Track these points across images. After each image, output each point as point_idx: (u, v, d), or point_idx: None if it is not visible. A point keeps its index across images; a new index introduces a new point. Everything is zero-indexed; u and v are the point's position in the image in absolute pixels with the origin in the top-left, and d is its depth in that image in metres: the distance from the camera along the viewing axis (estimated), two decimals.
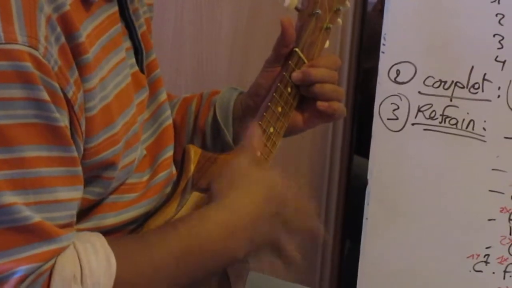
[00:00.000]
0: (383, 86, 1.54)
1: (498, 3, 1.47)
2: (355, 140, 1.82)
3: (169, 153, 1.10)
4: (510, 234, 1.58)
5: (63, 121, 0.86)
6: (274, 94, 1.14)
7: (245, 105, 1.21)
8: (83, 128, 0.90)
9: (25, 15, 0.82)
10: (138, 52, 1.06)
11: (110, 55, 0.97)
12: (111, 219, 0.99)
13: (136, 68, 1.05)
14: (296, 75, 1.16)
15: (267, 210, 0.99)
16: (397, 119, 1.55)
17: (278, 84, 1.15)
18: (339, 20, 1.21)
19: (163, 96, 1.13)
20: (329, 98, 1.18)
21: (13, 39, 0.81)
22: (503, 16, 1.47)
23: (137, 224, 1.04)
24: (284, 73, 1.15)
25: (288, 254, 1.00)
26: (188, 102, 1.25)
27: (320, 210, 1.81)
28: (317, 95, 1.17)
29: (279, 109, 1.14)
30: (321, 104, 1.17)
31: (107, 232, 0.94)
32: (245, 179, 1.01)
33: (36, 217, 0.83)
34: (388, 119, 1.55)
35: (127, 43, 1.04)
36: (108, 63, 0.96)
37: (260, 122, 1.12)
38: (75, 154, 0.88)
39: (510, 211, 1.57)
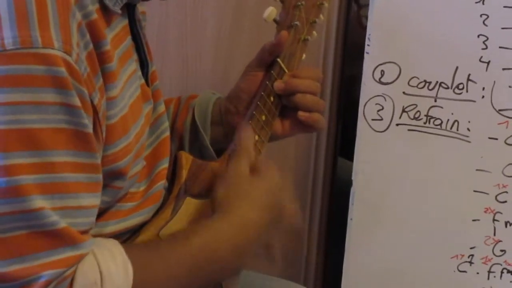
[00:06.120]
0: (368, 87, 1.54)
1: (483, 3, 1.47)
2: (340, 141, 1.82)
3: (165, 164, 1.11)
4: (494, 235, 1.58)
5: (90, 127, 0.86)
6: (258, 102, 1.16)
7: (225, 109, 1.23)
8: (104, 135, 0.91)
9: (60, 21, 0.83)
10: (143, 64, 1.07)
11: (125, 66, 0.98)
12: (111, 227, 1.00)
13: (143, 80, 1.06)
14: (278, 84, 1.19)
15: (268, 217, 1.04)
16: (381, 119, 1.55)
17: (262, 93, 1.17)
18: (314, 32, 1.24)
19: (162, 108, 1.15)
20: (310, 109, 1.20)
21: (49, 44, 0.82)
22: (488, 16, 1.47)
23: (134, 231, 1.05)
24: (267, 82, 1.18)
25: (274, 252, 1.06)
26: (166, 105, 1.25)
27: (304, 211, 1.81)
28: (299, 105, 1.20)
29: (263, 117, 1.16)
30: (302, 114, 1.20)
31: None
32: (248, 187, 1.04)
33: (62, 222, 0.84)
34: (372, 119, 1.55)
35: (135, 55, 1.05)
36: (124, 73, 0.98)
37: None
38: (99, 161, 0.89)
39: (494, 212, 1.57)
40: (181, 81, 1.72)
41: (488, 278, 1.61)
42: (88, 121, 0.86)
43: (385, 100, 1.54)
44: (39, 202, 0.82)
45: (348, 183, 1.60)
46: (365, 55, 1.52)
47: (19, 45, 0.81)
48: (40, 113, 0.82)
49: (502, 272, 1.61)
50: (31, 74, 0.81)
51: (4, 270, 0.82)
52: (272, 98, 1.18)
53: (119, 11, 0.96)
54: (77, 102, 0.84)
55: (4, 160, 0.81)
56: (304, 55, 1.24)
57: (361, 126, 1.56)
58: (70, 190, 0.85)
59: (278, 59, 1.19)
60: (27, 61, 0.81)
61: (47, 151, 0.83)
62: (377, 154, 1.58)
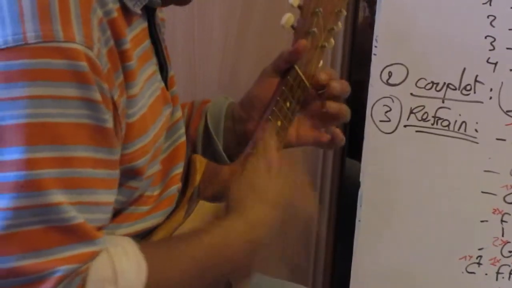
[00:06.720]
0: (375, 88, 1.54)
1: (490, 4, 1.47)
2: (348, 143, 1.82)
3: (180, 169, 1.11)
4: (503, 236, 1.58)
5: (111, 122, 0.86)
6: (274, 108, 1.16)
7: (238, 116, 1.23)
8: (123, 133, 0.91)
9: (81, 16, 0.83)
10: (162, 68, 1.07)
11: (145, 66, 0.98)
12: (124, 229, 1.00)
13: (163, 83, 1.06)
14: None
15: (279, 217, 1.04)
16: (389, 121, 1.55)
17: (278, 98, 1.16)
18: (332, 40, 1.24)
19: (179, 113, 1.15)
20: (340, 97, 1.23)
21: (71, 38, 0.82)
22: (495, 17, 1.48)
23: (145, 233, 1.05)
24: (284, 88, 1.17)
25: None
26: None
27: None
28: (334, 91, 1.21)
29: (279, 123, 1.16)
30: (329, 105, 1.22)
31: None
32: (262, 188, 1.04)
33: (80, 218, 0.84)
34: (380, 121, 1.55)
35: (154, 59, 1.05)
36: (144, 73, 0.98)
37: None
38: (117, 157, 0.89)
39: (502, 212, 1.57)
40: (188, 83, 1.72)
41: (497, 279, 1.61)
42: (108, 116, 0.86)
43: (393, 101, 1.54)
44: (58, 196, 0.82)
45: (356, 185, 1.59)
46: (373, 56, 1.52)
47: (41, 39, 0.81)
48: (61, 107, 0.82)
49: (510, 273, 1.60)
50: (53, 68, 0.81)
51: (18, 264, 0.82)
52: (288, 104, 1.18)
53: (139, 12, 0.97)
54: (98, 97, 0.84)
55: (24, 153, 0.81)
56: (321, 62, 1.23)
57: (369, 128, 1.56)
58: (89, 186, 0.85)
59: (296, 66, 1.18)
60: (48, 55, 0.81)
61: (67, 145, 0.83)
62: (385, 156, 1.58)
